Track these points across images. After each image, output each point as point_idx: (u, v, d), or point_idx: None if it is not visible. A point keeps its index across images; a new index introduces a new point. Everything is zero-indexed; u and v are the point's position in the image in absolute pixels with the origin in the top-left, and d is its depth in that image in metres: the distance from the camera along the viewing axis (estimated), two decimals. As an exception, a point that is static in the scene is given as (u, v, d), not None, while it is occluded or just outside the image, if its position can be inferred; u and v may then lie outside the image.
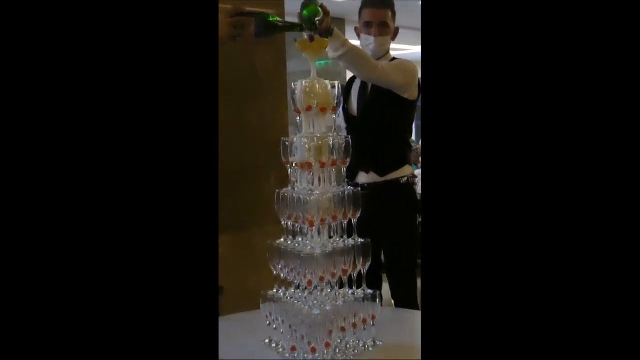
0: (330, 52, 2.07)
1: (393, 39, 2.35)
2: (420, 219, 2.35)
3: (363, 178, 2.27)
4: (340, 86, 1.38)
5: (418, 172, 5.14)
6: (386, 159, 2.28)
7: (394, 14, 2.31)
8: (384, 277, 2.40)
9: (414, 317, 1.71)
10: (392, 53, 2.42)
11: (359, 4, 2.40)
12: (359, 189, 1.40)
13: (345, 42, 2.04)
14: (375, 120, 2.25)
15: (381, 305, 1.42)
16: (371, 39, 2.26)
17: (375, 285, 2.22)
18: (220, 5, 1.26)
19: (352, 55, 2.05)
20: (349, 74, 2.47)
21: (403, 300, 2.24)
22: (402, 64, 2.27)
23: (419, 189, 3.32)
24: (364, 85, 2.31)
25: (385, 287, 2.37)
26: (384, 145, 2.28)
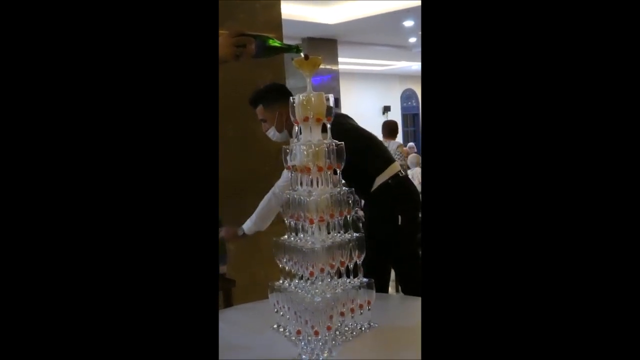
0: None
1: (284, 123, 2.05)
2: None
3: None
4: (334, 98, 1.37)
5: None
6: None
7: (267, 105, 2.05)
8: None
9: (412, 303, 1.69)
10: (379, 68, 2.36)
11: (351, 24, 2.36)
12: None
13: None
14: None
15: (387, 292, 1.38)
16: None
17: (386, 275, 2.16)
18: (222, 31, 1.25)
19: None
20: (342, 89, 2.42)
21: (409, 288, 2.13)
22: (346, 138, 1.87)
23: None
24: None
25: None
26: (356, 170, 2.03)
